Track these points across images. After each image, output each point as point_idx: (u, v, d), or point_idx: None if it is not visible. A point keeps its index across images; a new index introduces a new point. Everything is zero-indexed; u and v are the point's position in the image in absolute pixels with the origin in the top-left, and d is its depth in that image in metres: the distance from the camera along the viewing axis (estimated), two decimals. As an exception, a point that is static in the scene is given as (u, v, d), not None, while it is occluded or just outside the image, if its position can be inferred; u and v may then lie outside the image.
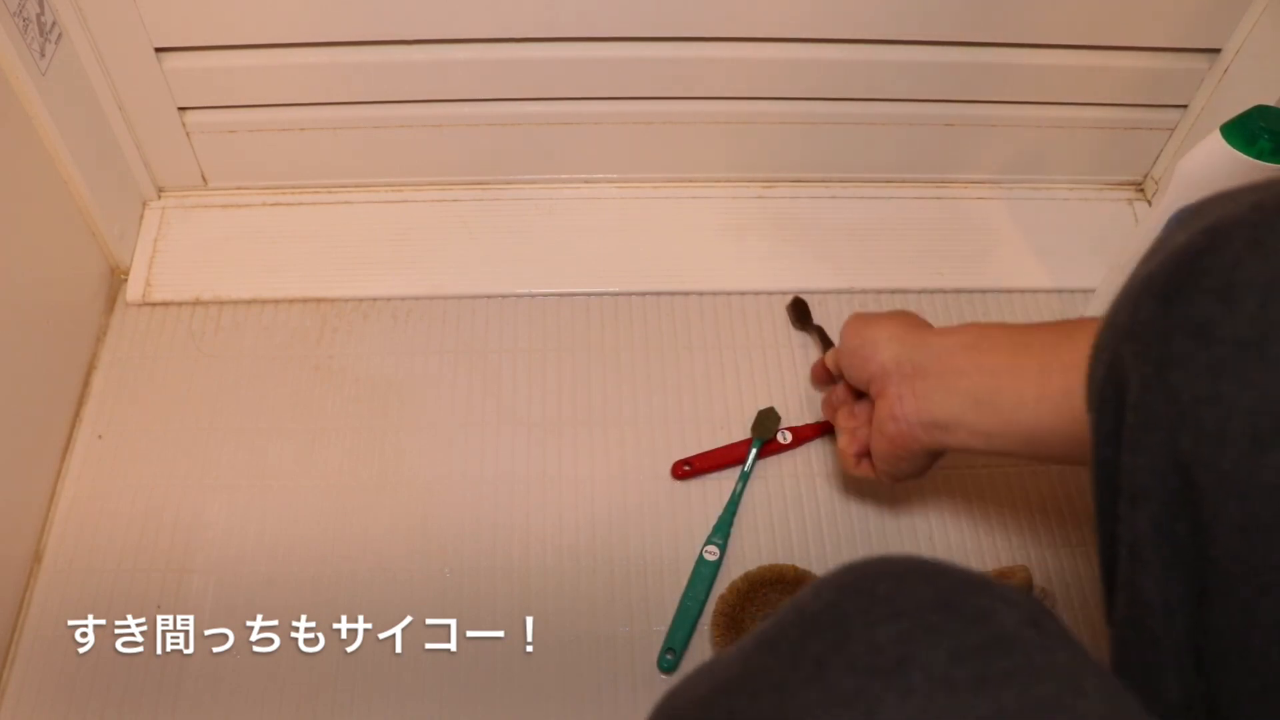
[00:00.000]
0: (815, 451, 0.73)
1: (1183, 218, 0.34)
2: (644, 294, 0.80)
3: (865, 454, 0.62)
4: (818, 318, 0.78)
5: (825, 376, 0.67)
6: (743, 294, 0.80)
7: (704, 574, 0.67)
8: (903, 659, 0.31)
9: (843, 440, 0.63)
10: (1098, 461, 0.37)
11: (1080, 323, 0.52)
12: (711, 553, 0.68)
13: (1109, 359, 0.36)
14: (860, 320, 0.60)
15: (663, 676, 0.64)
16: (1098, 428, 0.37)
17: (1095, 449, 0.37)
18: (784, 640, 0.34)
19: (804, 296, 0.79)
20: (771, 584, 0.66)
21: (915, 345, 0.56)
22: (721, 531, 0.69)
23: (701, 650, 0.65)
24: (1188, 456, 0.32)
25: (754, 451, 0.72)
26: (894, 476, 0.60)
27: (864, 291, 0.81)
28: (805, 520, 0.70)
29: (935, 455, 0.58)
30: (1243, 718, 0.33)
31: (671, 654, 0.64)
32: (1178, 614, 0.34)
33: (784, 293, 0.80)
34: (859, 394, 0.63)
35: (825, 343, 0.76)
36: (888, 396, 0.57)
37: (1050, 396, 0.49)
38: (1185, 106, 0.81)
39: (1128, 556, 0.35)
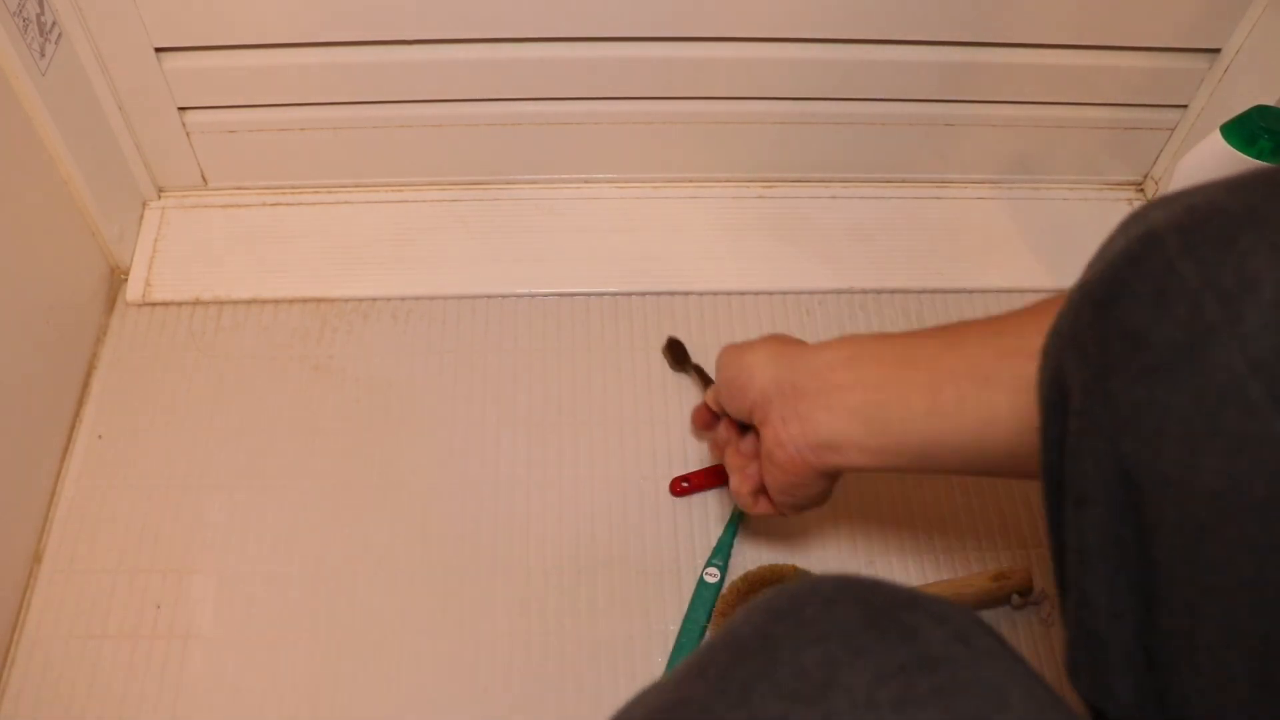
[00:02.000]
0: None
1: (1126, 222, 0.35)
2: (644, 294, 0.80)
3: (761, 490, 0.59)
4: (817, 320, 0.78)
5: (708, 418, 0.64)
6: (743, 294, 0.80)
7: (705, 597, 0.66)
8: (827, 682, 0.31)
9: (734, 480, 0.60)
10: (1044, 466, 0.37)
11: (962, 328, 0.51)
12: (712, 575, 0.67)
13: (1053, 366, 0.36)
14: (733, 349, 0.58)
15: None
16: (1044, 433, 0.37)
17: (1042, 454, 0.37)
18: (713, 665, 0.34)
19: (795, 296, 0.78)
20: (771, 584, 0.66)
21: (791, 365, 0.54)
22: (722, 553, 0.68)
23: None
24: (1128, 461, 0.32)
25: None
26: (794, 507, 0.57)
27: (864, 291, 0.81)
28: (808, 536, 0.70)
29: (831, 477, 0.55)
30: (1194, 716, 0.33)
31: None
32: (1126, 616, 0.34)
33: (784, 293, 0.80)
34: (744, 429, 0.60)
35: (705, 382, 0.73)
36: (771, 422, 0.54)
37: (942, 409, 0.48)
38: (1185, 106, 0.81)
39: (1075, 561, 0.35)
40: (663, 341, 0.77)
